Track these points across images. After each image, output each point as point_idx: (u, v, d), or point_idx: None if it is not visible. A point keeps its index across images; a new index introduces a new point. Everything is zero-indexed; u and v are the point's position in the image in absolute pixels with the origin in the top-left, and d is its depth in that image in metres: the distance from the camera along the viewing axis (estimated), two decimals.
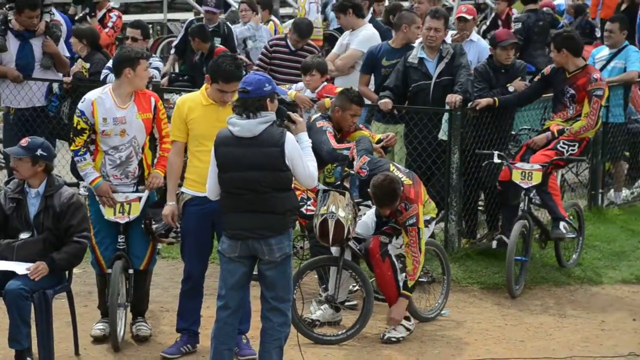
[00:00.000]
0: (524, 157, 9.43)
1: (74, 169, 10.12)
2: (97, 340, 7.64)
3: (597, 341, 8.20)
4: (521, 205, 9.22)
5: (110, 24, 12.50)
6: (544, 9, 14.58)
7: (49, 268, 7.05)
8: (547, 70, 9.66)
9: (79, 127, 7.51)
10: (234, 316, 6.74)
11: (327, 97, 9.47)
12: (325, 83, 9.89)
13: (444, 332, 8.20)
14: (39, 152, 7.19)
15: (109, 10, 12.73)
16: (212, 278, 7.67)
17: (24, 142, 7.25)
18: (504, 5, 14.19)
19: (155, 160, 7.69)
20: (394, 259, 7.86)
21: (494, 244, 9.53)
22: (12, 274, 7.00)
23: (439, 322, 8.35)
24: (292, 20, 13.05)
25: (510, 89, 9.71)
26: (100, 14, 12.50)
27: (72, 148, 7.60)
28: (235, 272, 6.67)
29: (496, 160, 9.29)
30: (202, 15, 14.07)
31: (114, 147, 7.53)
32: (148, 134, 7.61)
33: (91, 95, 7.58)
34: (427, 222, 8.09)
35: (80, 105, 7.57)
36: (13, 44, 10.38)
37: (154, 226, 7.53)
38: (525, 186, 9.14)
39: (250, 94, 6.55)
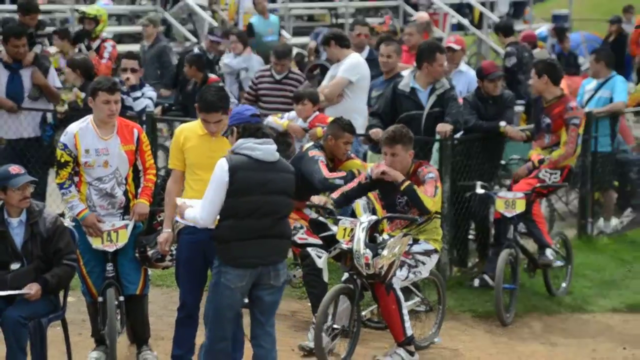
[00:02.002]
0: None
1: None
2: None
3: None
4: (507, 234, 9.30)
5: (106, 55, 12.59)
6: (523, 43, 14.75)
7: (42, 289, 7.04)
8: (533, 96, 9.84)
9: (62, 159, 7.52)
10: (230, 346, 6.80)
11: (319, 126, 9.56)
12: (317, 113, 9.99)
13: (437, 359, 8.25)
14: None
15: (104, 41, 12.84)
16: None
17: (18, 169, 7.20)
18: None
19: (140, 190, 7.69)
20: (399, 293, 7.87)
21: (476, 282, 9.63)
22: (5, 305, 6.99)
23: (431, 350, 8.38)
24: None
25: (502, 123, 9.79)
26: (95, 45, 12.60)
27: (57, 181, 7.61)
28: (235, 304, 6.71)
29: (479, 190, 9.39)
30: (200, 44, 14.15)
31: (98, 179, 7.54)
32: (131, 166, 7.63)
33: (73, 127, 7.58)
34: (431, 252, 8.15)
35: (62, 139, 7.59)
36: (3, 74, 10.46)
37: (149, 252, 7.57)
38: (509, 215, 9.23)
39: (259, 119, 6.76)
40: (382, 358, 7.90)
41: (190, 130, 7.38)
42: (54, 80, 10.66)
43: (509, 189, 9.63)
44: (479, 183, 9.43)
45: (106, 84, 7.50)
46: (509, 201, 9.22)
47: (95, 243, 7.56)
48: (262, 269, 6.67)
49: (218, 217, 6.72)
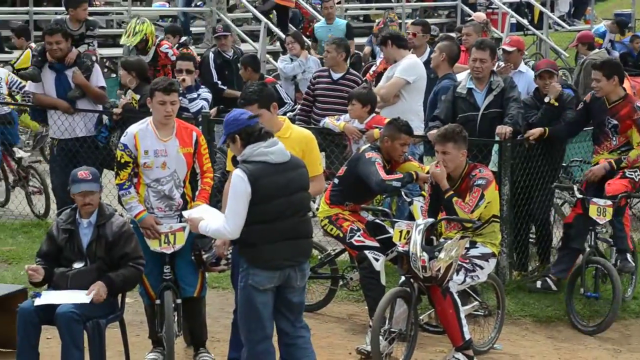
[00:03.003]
0: (587, 192, 9.36)
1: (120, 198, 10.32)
2: None
3: None
4: (590, 240, 9.15)
5: (173, 58, 12.33)
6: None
7: (107, 288, 7.13)
8: (587, 97, 9.66)
9: (122, 160, 7.60)
10: (272, 345, 6.83)
11: (376, 127, 9.54)
12: (374, 114, 9.96)
13: None
14: (100, 180, 7.35)
15: (158, 46, 12.66)
16: None
17: (86, 174, 7.28)
18: None
19: (197, 193, 7.74)
20: (456, 297, 7.82)
21: (539, 283, 9.53)
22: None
23: (492, 356, 8.32)
24: None
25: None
26: (150, 55, 12.48)
27: (117, 182, 7.69)
28: (269, 303, 6.71)
29: (577, 195, 9.25)
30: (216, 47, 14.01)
31: (156, 180, 7.60)
32: (189, 169, 7.67)
33: (133, 128, 7.67)
34: (488, 256, 8.10)
35: (123, 139, 7.66)
36: (50, 76, 10.55)
37: (204, 256, 7.61)
38: (601, 222, 9.09)
39: (257, 119, 6.74)
40: None
41: None
42: (97, 79, 10.66)
43: (580, 190, 9.41)
44: (576, 186, 9.29)
45: (162, 84, 7.56)
46: (600, 208, 9.05)
47: (153, 245, 7.61)
48: (290, 270, 6.70)
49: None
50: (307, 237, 6.84)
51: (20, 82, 12.83)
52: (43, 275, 7.20)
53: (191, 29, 18.55)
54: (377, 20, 18.16)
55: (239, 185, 6.57)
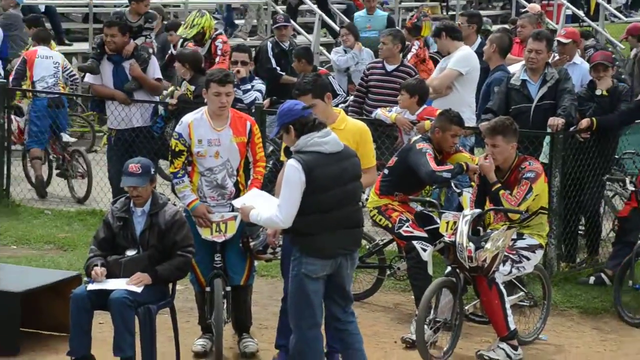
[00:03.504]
0: None
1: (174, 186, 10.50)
2: (198, 355, 7.83)
3: None
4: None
5: (219, 52, 12.60)
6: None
7: (151, 279, 7.27)
8: None
9: (177, 149, 7.72)
10: (321, 332, 6.94)
11: (428, 119, 9.59)
12: (425, 105, 10.02)
13: (542, 356, 8.20)
14: (152, 171, 7.47)
15: (214, 39, 12.84)
16: None
17: (135, 168, 7.37)
18: None
19: (249, 182, 7.82)
20: (502, 287, 7.86)
21: (592, 279, 9.52)
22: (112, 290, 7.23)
23: (537, 346, 8.34)
24: None
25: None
26: (206, 48, 12.62)
27: (171, 170, 7.82)
28: (320, 290, 6.81)
29: (629, 187, 9.23)
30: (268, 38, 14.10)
31: (209, 169, 7.71)
32: (242, 158, 7.76)
33: (188, 117, 7.78)
34: (535, 248, 8.13)
35: (177, 128, 7.79)
36: (108, 67, 10.69)
37: (251, 243, 7.72)
38: None
39: (310, 110, 6.80)
40: (485, 353, 7.90)
41: None
42: (154, 71, 10.79)
43: (634, 183, 9.36)
44: (628, 179, 9.27)
45: (217, 76, 7.65)
46: None
47: (205, 234, 7.73)
48: (342, 259, 6.79)
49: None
50: (359, 227, 6.92)
51: (72, 71, 13.09)
52: (104, 275, 7.31)
53: (236, 21, 18.62)
54: (410, 14, 18.17)
55: (293, 175, 6.64)
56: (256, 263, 8.08)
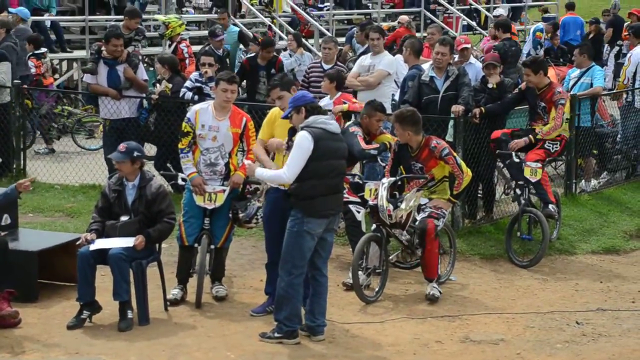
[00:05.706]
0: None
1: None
2: (172, 303, 7.60)
3: (572, 299, 8.20)
4: (523, 196, 9.12)
5: (186, 55, 12.41)
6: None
7: (146, 239, 7.17)
8: (523, 86, 9.63)
9: (185, 130, 7.67)
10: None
11: (344, 102, 9.43)
12: (340, 93, 9.79)
13: (452, 292, 8.21)
14: (135, 154, 7.30)
15: (179, 43, 12.63)
16: None
17: (122, 147, 7.31)
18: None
19: (240, 165, 7.75)
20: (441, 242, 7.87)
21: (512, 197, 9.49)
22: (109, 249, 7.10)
23: (448, 286, 8.35)
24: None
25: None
26: (172, 48, 12.38)
27: (179, 146, 7.73)
28: (312, 247, 6.75)
29: (515, 159, 9.23)
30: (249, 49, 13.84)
31: (206, 149, 7.63)
32: (235, 145, 7.68)
33: (197, 106, 7.80)
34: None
35: (188, 114, 7.75)
36: (103, 69, 10.50)
37: (240, 215, 7.64)
38: (533, 180, 9.08)
39: (315, 99, 6.95)
40: (430, 292, 7.85)
41: (278, 112, 7.42)
42: (142, 74, 10.64)
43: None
44: (513, 153, 9.25)
45: (226, 76, 7.63)
46: (533, 169, 9.07)
47: (199, 200, 7.63)
48: (333, 218, 6.79)
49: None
50: (342, 192, 7.03)
51: None
52: (95, 238, 7.18)
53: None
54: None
55: (303, 142, 6.66)
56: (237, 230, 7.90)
